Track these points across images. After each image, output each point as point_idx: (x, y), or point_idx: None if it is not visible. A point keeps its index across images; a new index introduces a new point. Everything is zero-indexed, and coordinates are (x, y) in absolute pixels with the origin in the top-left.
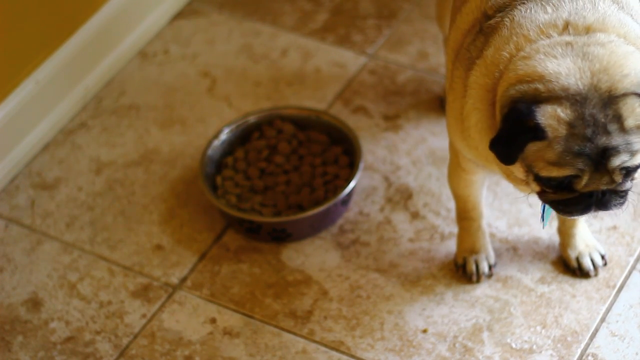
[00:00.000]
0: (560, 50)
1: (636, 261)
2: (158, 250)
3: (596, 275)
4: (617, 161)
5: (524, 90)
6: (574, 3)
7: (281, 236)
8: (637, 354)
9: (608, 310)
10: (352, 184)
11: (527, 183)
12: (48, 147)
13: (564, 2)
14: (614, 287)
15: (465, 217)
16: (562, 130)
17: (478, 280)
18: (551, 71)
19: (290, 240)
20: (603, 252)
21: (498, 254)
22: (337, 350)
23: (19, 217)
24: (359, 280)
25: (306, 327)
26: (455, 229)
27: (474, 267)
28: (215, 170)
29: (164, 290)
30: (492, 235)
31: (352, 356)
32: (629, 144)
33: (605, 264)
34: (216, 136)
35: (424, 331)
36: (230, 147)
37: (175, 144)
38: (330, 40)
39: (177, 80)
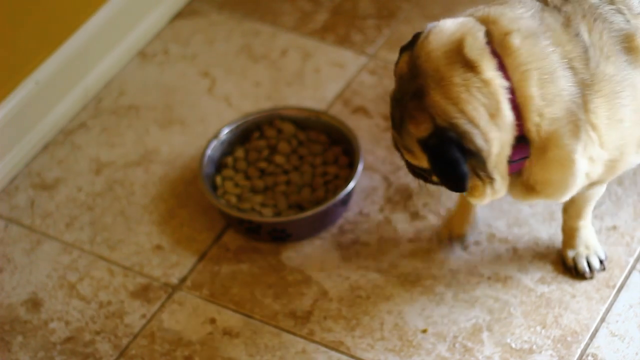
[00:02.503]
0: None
1: (636, 261)
2: (158, 251)
3: (591, 277)
4: (402, 139)
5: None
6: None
7: (281, 236)
8: (637, 354)
9: (608, 310)
10: (352, 184)
11: None
12: (48, 147)
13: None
14: (613, 287)
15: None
16: (397, 74)
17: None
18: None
19: (290, 240)
20: (603, 257)
21: (498, 254)
22: (337, 350)
23: (18, 217)
24: (359, 280)
25: (306, 327)
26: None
27: (451, 245)
28: (215, 170)
29: (163, 290)
30: (492, 235)
31: (352, 356)
32: (406, 127)
33: (603, 269)
34: (216, 136)
35: (424, 331)
36: (230, 147)
37: (175, 144)
38: (330, 40)
39: (177, 81)
